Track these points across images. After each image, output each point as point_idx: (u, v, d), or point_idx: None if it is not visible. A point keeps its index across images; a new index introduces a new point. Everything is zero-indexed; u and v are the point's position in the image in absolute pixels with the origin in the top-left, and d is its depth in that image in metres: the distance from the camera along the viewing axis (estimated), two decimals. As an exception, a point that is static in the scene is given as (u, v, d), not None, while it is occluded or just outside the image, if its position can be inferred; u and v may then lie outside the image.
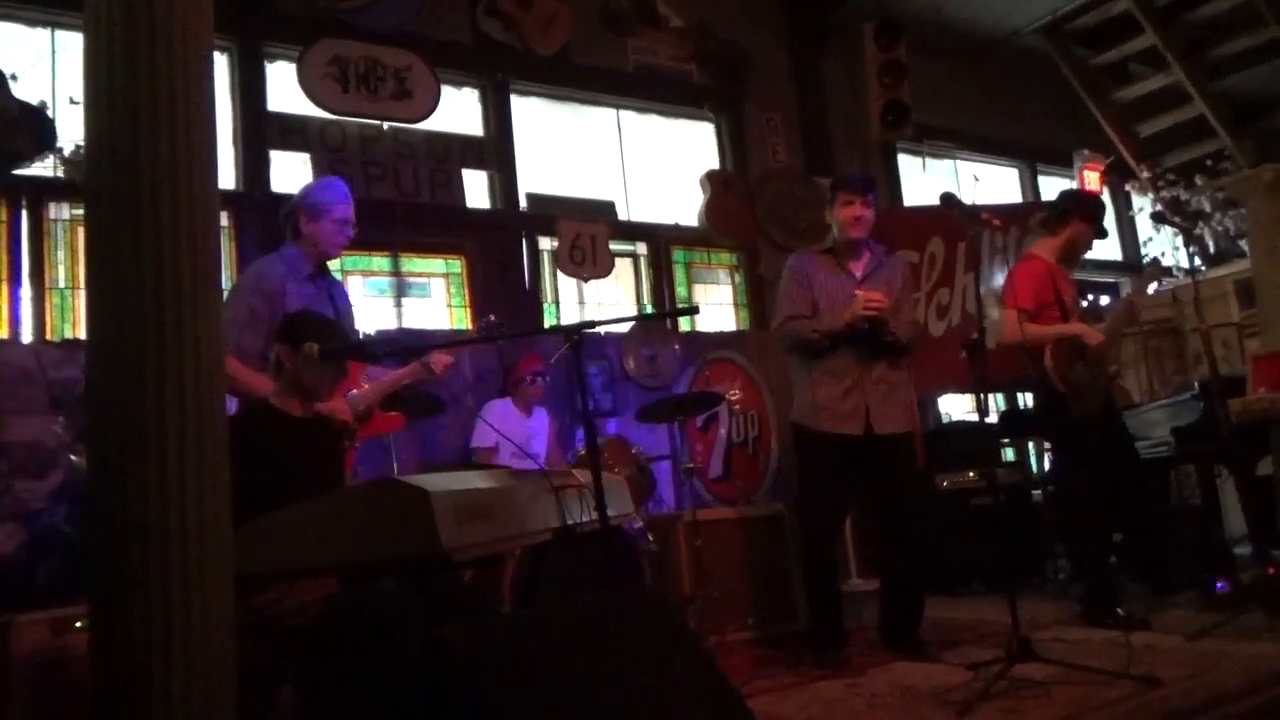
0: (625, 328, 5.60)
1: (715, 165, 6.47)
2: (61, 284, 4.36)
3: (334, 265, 5.01)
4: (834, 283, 3.74)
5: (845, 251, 3.80)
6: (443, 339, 4.96)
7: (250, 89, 4.91)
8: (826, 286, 3.74)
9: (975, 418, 6.47)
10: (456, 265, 5.46)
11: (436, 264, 5.42)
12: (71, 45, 4.43)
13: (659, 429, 5.29)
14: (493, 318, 3.96)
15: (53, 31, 4.50)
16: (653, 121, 6.45)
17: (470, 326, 5.29)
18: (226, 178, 4.71)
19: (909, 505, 3.69)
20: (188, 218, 1.69)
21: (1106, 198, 7.98)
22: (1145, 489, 4.40)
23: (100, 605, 1.62)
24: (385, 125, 5.18)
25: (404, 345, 3.51)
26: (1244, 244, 7.34)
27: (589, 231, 5.65)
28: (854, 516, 5.34)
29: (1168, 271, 8.06)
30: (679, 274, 6.26)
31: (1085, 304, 4.23)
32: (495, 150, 5.62)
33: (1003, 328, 4.02)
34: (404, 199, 5.15)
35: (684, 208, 6.29)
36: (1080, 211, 4.17)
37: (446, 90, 5.41)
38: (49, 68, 4.43)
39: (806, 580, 3.76)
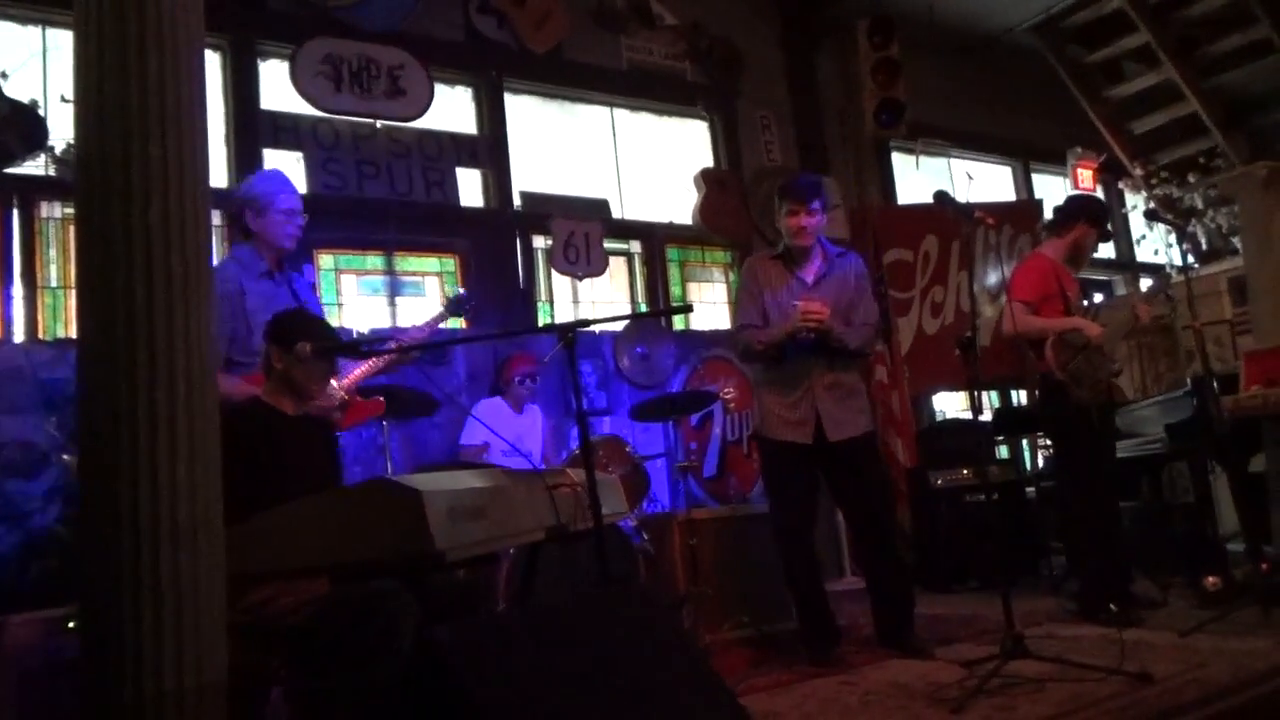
0: (619, 326, 5.61)
1: (709, 164, 6.47)
2: (53, 283, 4.34)
3: (328, 264, 5.07)
4: (784, 290, 3.73)
5: (795, 257, 3.78)
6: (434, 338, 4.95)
7: (243, 87, 4.89)
8: (776, 294, 3.73)
9: (969, 415, 6.50)
10: (450, 264, 5.45)
11: (430, 263, 5.41)
12: (63, 43, 4.41)
13: (653, 428, 5.30)
14: (461, 291, 3.89)
15: (44, 30, 4.48)
16: (647, 120, 6.44)
17: (464, 325, 5.29)
18: (219, 176, 4.70)
19: (875, 506, 3.70)
20: (179, 216, 1.69)
21: (1100, 195, 7.99)
22: (1120, 487, 4.42)
23: (92, 605, 1.61)
24: (378, 124, 5.17)
25: (395, 342, 3.49)
26: (1236, 241, 7.36)
27: (583, 230, 5.64)
28: (847, 514, 5.35)
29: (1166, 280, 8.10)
30: (673, 272, 6.26)
31: (1087, 304, 4.28)
32: (489, 148, 5.61)
33: (1006, 321, 4.04)
34: (397, 198, 5.14)
35: (678, 206, 6.29)
36: (1086, 214, 4.25)
37: (440, 88, 5.40)
38: (40, 66, 4.41)
39: (788, 584, 3.77)
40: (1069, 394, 3.88)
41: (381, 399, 3.52)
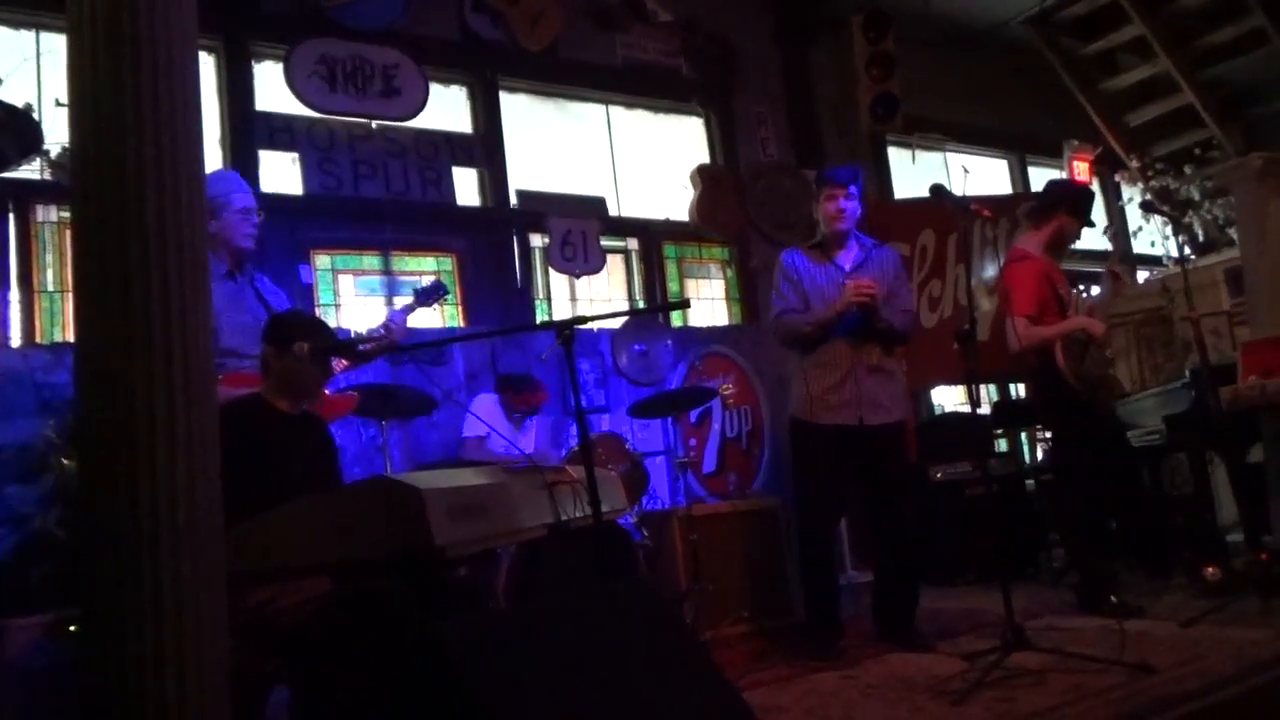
0: (617, 323, 5.60)
1: (705, 160, 6.47)
2: (50, 287, 4.34)
3: (324, 264, 5.06)
4: (823, 276, 3.77)
5: (832, 245, 3.83)
6: (431, 336, 4.95)
7: (238, 89, 4.89)
8: (816, 280, 3.77)
9: (968, 409, 6.49)
10: (447, 263, 5.45)
11: (427, 262, 5.41)
12: (57, 47, 4.39)
13: (652, 425, 5.30)
14: (429, 279, 3.86)
15: (38, 34, 4.47)
16: (642, 117, 6.44)
17: (462, 324, 5.29)
18: (215, 178, 4.69)
19: (900, 496, 3.72)
20: (175, 219, 1.69)
21: (1095, 188, 7.99)
22: (1136, 476, 4.43)
23: (92, 608, 1.61)
24: (374, 124, 5.17)
25: (390, 342, 3.48)
26: (1233, 232, 7.36)
27: (580, 228, 5.64)
28: (865, 503, 5.35)
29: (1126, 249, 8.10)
30: (670, 269, 6.26)
31: (1076, 291, 4.25)
32: (484, 147, 5.61)
33: (1011, 337, 3.98)
34: (394, 197, 5.14)
35: (674, 203, 6.29)
36: (1065, 203, 4.17)
37: (435, 88, 5.39)
38: (34, 70, 4.40)
39: (804, 574, 3.77)
40: (1084, 399, 3.86)
41: (354, 394, 3.51)
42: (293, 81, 4.91)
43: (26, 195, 4.30)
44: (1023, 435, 6.91)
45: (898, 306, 3.76)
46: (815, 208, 3.85)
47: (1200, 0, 7.24)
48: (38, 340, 4.21)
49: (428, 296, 3.63)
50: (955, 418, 6.51)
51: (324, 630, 2.15)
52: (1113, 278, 4.10)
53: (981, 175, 8.01)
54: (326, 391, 3.25)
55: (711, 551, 4.19)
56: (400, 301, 5.15)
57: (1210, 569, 4.01)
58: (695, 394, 4.97)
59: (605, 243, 5.79)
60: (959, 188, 7.26)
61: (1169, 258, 8.09)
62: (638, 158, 6.31)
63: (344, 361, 3.25)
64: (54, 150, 4.24)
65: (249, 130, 4.86)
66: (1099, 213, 7.51)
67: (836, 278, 3.74)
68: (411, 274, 5.33)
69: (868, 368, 3.66)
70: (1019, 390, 6.98)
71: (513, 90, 5.87)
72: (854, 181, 3.78)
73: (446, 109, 5.60)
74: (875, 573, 3.79)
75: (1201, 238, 7.97)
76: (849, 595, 4.43)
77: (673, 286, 6.23)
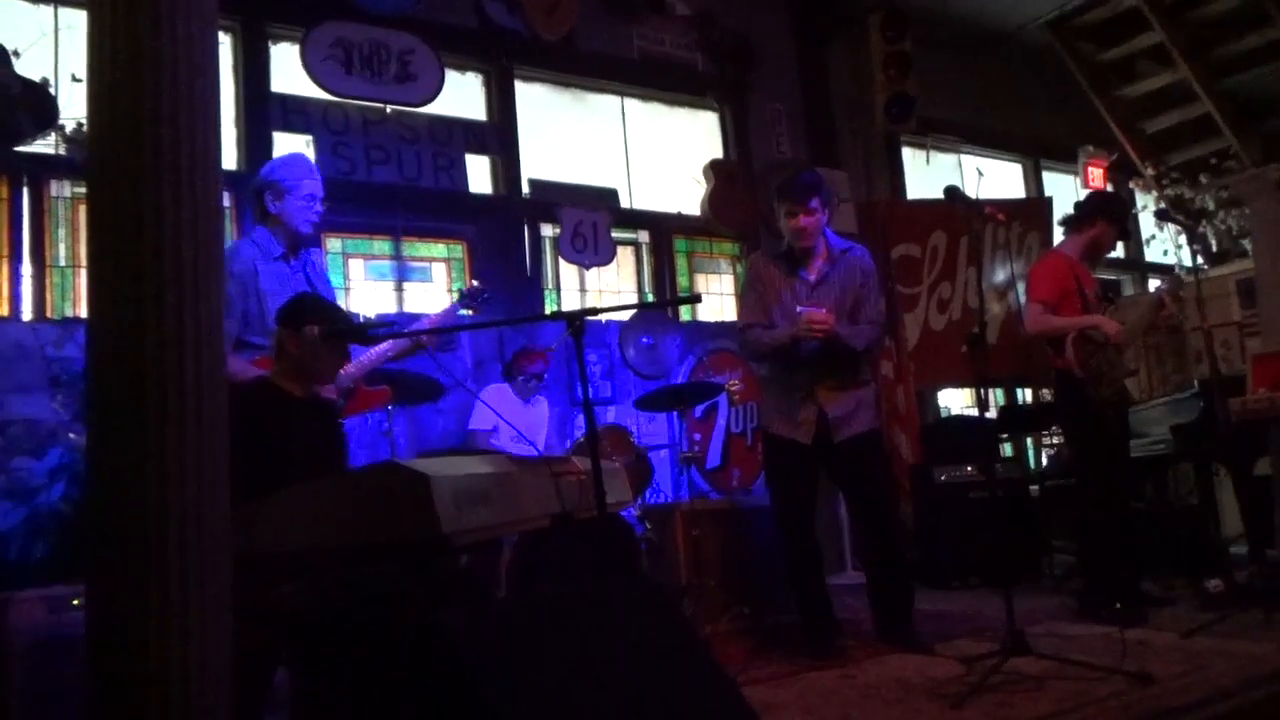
0: (626, 316, 5.60)
1: (719, 155, 6.45)
2: (62, 262, 4.34)
3: (335, 248, 5.07)
4: (787, 290, 3.72)
5: (798, 256, 3.76)
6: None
7: (253, 70, 4.89)
8: (780, 294, 3.72)
9: (975, 412, 6.49)
10: (458, 250, 5.45)
11: (438, 249, 5.41)
12: (75, 22, 4.40)
13: (658, 418, 5.31)
14: (475, 283, 3.87)
15: (56, 8, 4.47)
16: (657, 110, 6.42)
17: (471, 313, 5.29)
18: (229, 158, 4.69)
19: (876, 502, 3.71)
20: (190, 197, 1.69)
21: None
22: (1133, 486, 4.43)
23: (98, 584, 1.62)
24: (388, 108, 5.16)
25: (403, 327, 3.50)
26: (1246, 243, 7.33)
27: (591, 219, 5.64)
28: (849, 508, 5.36)
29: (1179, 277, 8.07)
30: (680, 263, 6.25)
31: (1109, 303, 4.29)
32: (498, 135, 5.60)
33: (1027, 320, 4.08)
34: (406, 183, 5.14)
35: (686, 197, 6.27)
36: (1105, 212, 4.25)
37: (450, 74, 5.39)
38: (51, 44, 4.40)
39: (789, 577, 3.77)
40: (1087, 392, 3.87)
41: (387, 388, 3.53)
42: (308, 63, 4.91)
43: (41, 170, 4.30)
44: (1028, 440, 6.89)
45: (864, 318, 3.69)
46: (778, 219, 3.76)
47: (1221, 9, 7.19)
48: (48, 315, 4.22)
49: (472, 299, 3.66)
50: (961, 421, 6.50)
51: (327, 614, 2.15)
52: (1160, 304, 4.10)
53: (995, 178, 7.98)
54: (363, 386, 3.28)
55: (713, 547, 4.19)
56: (419, 294, 5.17)
57: (1213, 581, 4.01)
58: (701, 388, 4.96)
59: (616, 235, 5.78)
60: (973, 190, 7.23)
61: (1181, 267, 8.06)
62: (651, 150, 6.30)
63: (378, 354, 3.27)
64: (69, 125, 4.24)
65: (264, 111, 4.85)
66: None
67: (800, 292, 3.68)
68: (422, 260, 5.34)
69: (828, 387, 3.63)
70: (1026, 395, 6.96)
71: (528, 79, 5.85)
72: (814, 194, 3.64)
73: (461, 96, 5.59)
74: (867, 577, 3.79)
75: (1214, 248, 7.94)
76: (850, 595, 4.44)
77: (682, 280, 6.22)
